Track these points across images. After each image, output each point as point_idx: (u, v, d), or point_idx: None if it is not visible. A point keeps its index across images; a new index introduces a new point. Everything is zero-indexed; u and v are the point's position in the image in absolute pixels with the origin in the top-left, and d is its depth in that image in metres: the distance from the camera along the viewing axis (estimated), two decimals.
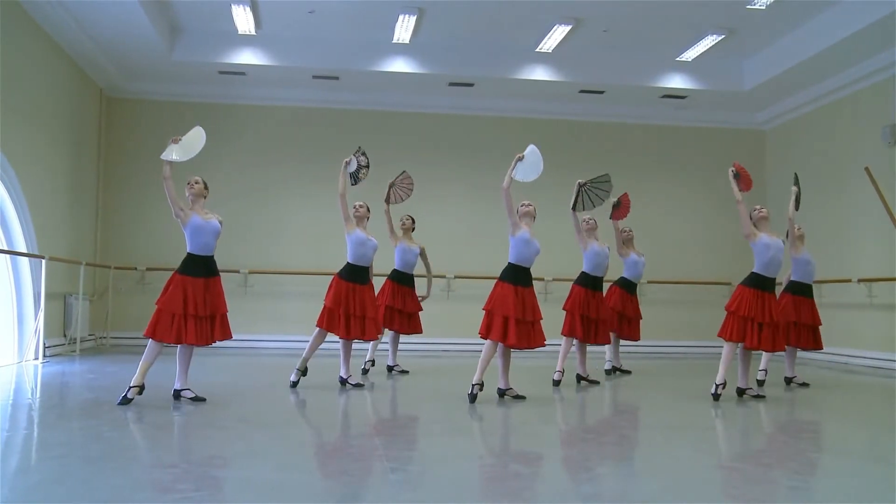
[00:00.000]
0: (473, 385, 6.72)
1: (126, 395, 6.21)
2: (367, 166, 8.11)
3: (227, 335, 6.61)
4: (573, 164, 13.99)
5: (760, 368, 8.60)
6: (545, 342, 6.93)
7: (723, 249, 14.10)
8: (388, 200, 9.06)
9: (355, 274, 7.59)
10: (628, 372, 9.75)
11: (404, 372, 9.20)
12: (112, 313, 12.52)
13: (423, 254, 9.03)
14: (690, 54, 12.29)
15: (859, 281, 11.46)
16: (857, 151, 11.79)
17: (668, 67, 12.78)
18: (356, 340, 7.68)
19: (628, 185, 13.97)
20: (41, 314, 9.77)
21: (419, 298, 9.10)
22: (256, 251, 12.83)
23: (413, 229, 9.19)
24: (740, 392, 7.41)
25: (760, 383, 8.25)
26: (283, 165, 13.37)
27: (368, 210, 7.93)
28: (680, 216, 14.26)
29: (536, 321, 6.85)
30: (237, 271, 12.80)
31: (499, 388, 6.96)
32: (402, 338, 9.72)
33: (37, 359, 9.64)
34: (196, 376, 7.64)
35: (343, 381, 7.73)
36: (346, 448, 5.03)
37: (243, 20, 11.28)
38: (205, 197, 6.78)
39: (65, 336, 11.05)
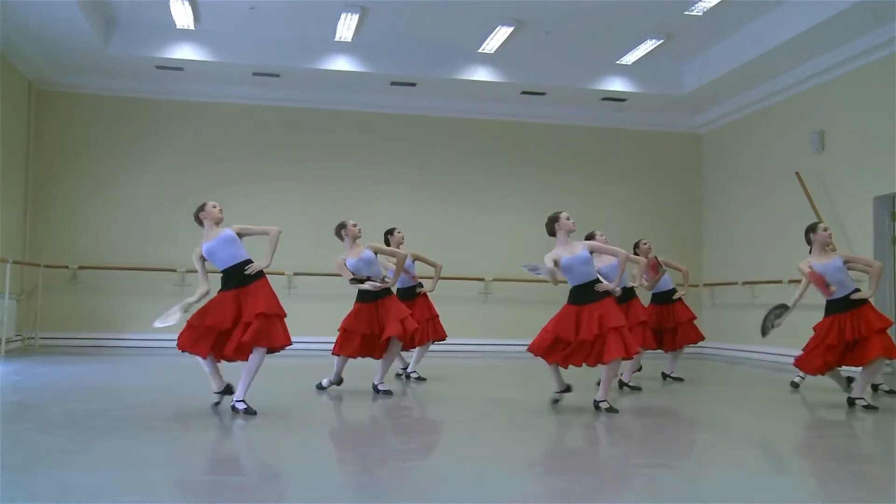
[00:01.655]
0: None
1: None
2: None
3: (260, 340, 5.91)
4: (514, 164, 14.13)
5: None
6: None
7: (660, 250, 14.27)
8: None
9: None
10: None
11: (421, 379, 8.79)
12: (41, 313, 12.14)
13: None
14: (630, 58, 12.47)
15: (790, 282, 11.75)
16: (789, 156, 12.11)
17: (608, 70, 12.95)
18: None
19: (569, 186, 14.22)
20: None
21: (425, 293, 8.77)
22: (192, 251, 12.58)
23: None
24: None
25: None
26: (222, 164, 13.14)
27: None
28: (619, 217, 14.42)
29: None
30: (174, 270, 12.56)
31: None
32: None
33: None
34: (131, 376, 7.47)
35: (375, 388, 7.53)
36: (283, 450, 4.96)
37: (182, 14, 11.05)
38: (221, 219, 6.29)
39: None
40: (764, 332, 7.62)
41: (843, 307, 7.06)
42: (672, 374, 9.29)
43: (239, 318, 5.90)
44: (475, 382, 9.08)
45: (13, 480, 3.81)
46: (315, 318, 11.68)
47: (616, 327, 6.20)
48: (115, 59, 11.95)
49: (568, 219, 6.52)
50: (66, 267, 12.38)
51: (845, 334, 6.96)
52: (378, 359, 7.54)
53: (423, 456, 4.94)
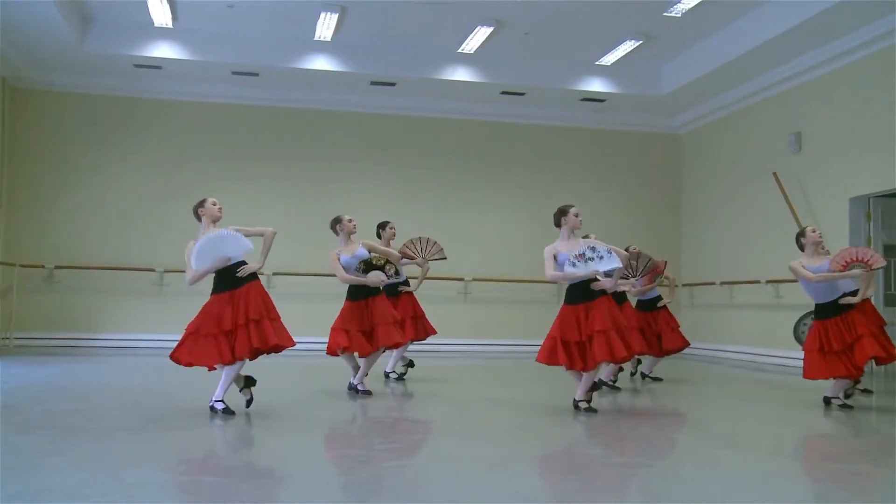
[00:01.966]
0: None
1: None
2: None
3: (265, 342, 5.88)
4: (494, 164, 14.15)
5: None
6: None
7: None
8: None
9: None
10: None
11: (401, 378, 8.78)
12: (17, 313, 12.00)
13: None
14: (609, 58, 12.52)
15: (767, 282, 11.87)
16: (766, 157, 12.21)
17: (587, 71, 13.00)
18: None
19: (548, 186, 14.26)
20: None
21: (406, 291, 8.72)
22: (172, 250, 12.44)
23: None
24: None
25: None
26: (200, 162, 13.06)
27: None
28: (598, 217, 14.45)
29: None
30: (153, 270, 12.47)
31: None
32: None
33: None
34: (108, 376, 7.40)
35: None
36: (259, 450, 4.94)
37: (159, 12, 10.97)
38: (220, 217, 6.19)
39: None
40: (799, 340, 7.79)
41: (830, 312, 6.95)
42: (651, 374, 9.35)
43: (236, 319, 5.83)
44: (457, 382, 9.08)
45: None
46: (295, 318, 11.60)
47: (602, 330, 6.11)
48: (92, 57, 11.84)
49: (576, 216, 6.41)
50: (43, 266, 12.25)
51: (832, 343, 6.83)
52: (363, 356, 7.41)
53: (406, 456, 4.93)
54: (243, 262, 6.03)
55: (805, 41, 10.59)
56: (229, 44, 11.97)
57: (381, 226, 8.69)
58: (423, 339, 8.84)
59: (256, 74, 12.56)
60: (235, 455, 4.93)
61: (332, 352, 7.43)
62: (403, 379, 8.75)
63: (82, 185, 12.70)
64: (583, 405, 6.40)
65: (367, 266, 7.41)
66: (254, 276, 6.05)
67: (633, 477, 4.35)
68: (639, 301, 9.25)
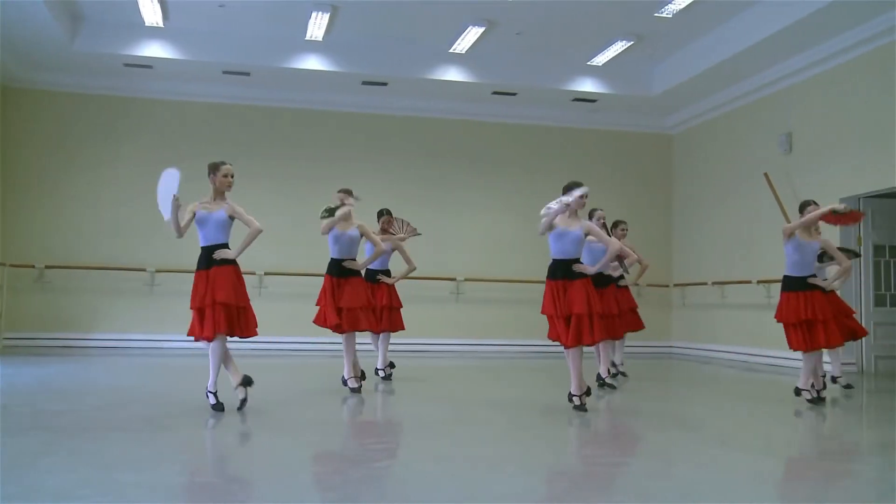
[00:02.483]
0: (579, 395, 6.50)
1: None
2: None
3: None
4: (485, 164, 14.16)
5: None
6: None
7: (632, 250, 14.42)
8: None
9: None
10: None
11: (388, 378, 8.79)
12: (7, 313, 11.94)
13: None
14: (601, 59, 12.54)
15: (758, 282, 11.91)
16: (757, 157, 12.26)
17: (579, 71, 13.02)
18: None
19: (540, 187, 14.23)
20: None
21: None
22: (165, 249, 12.41)
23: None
24: None
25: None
26: (191, 162, 12.87)
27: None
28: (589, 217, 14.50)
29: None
30: (143, 270, 12.43)
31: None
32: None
33: None
34: (99, 377, 7.37)
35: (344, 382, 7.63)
36: (253, 451, 4.93)
37: (150, 11, 10.94)
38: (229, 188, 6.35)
39: None
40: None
41: (799, 286, 7.17)
42: (620, 369, 9.19)
43: (204, 298, 6.04)
44: (445, 382, 9.08)
45: None
46: (285, 318, 11.65)
47: (578, 314, 6.22)
48: (83, 57, 11.80)
49: (582, 197, 6.38)
50: (33, 266, 12.19)
51: (800, 312, 7.07)
52: (342, 333, 7.51)
53: (397, 456, 4.93)
54: (225, 246, 6.19)
55: (796, 42, 10.63)
56: (220, 43, 11.94)
57: (380, 213, 8.99)
58: (392, 332, 8.80)
59: (248, 74, 12.53)
60: (228, 455, 4.91)
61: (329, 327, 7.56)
62: (390, 379, 8.71)
63: (73, 184, 12.65)
64: (576, 400, 6.44)
65: (330, 212, 7.72)
66: (227, 260, 6.17)
67: (626, 476, 4.36)
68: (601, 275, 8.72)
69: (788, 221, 11.03)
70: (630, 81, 13.24)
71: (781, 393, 8.19)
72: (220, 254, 6.13)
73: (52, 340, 11.98)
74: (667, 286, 14.32)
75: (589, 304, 6.26)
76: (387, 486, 4.02)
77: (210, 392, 6.11)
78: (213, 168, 6.34)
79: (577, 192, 6.34)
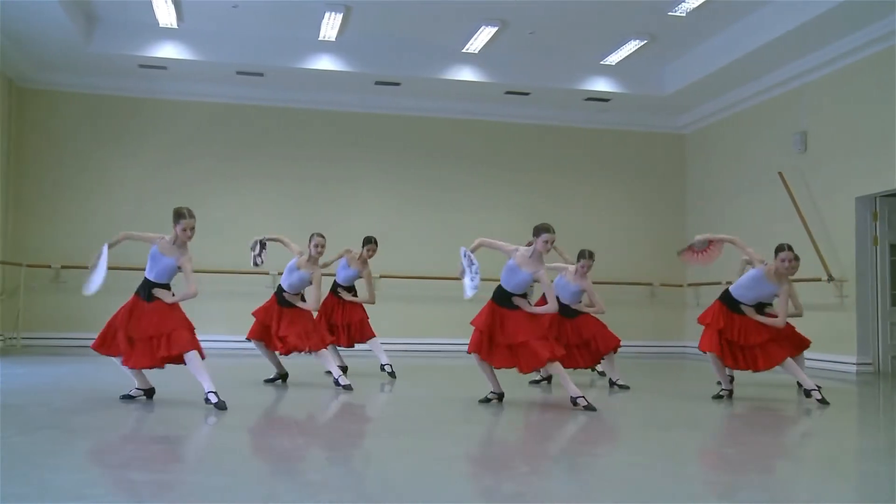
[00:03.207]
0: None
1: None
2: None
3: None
4: (498, 165, 14.15)
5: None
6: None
7: (643, 251, 14.41)
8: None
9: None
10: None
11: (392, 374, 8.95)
12: (24, 313, 12.04)
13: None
14: (614, 58, 12.50)
15: None
16: (772, 157, 12.18)
17: (592, 71, 12.98)
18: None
19: (552, 187, 14.26)
20: None
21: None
22: None
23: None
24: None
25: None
26: (204, 163, 13.09)
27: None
28: (601, 218, 14.48)
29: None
30: None
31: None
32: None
33: None
34: (114, 377, 7.41)
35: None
36: (267, 449, 4.94)
37: (164, 12, 11.00)
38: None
39: None
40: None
41: (738, 309, 7.27)
42: (618, 382, 8.50)
43: (138, 331, 6.40)
44: (455, 381, 9.07)
45: None
46: None
47: (524, 342, 6.47)
48: (98, 58, 11.88)
49: (546, 242, 6.52)
50: (49, 266, 12.29)
51: (733, 332, 7.18)
52: (274, 350, 7.90)
53: (378, 455, 4.93)
54: (167, 287, 6.54)
55: (810, 40, 10.56)
56: (234, 44, 11.99)
57: (366, 241, 9.10)
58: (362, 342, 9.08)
59: (261, 74, 12.58)
60: (240, 455, 4.93)
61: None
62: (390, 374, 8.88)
63: (88, 185, 12.74)
64: (581, 402, 6.51)
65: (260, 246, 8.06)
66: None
67: (625, 477, 4.35)
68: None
69: (804, 221, 11.02)
70: (643, 81, 13.20)
71: (790, 394, 8.13)
72: (158, 292, 6.47)
73: (67, 340, 12.05)
74: (680, 286, 14.26)
75: (531, 330, 6.52)
76: (364, 485, 4.03)
77: (210, 391, 6.21)
78: (176, 217, 6.61)
79: (542, 238, 6.54)
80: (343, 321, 8.95)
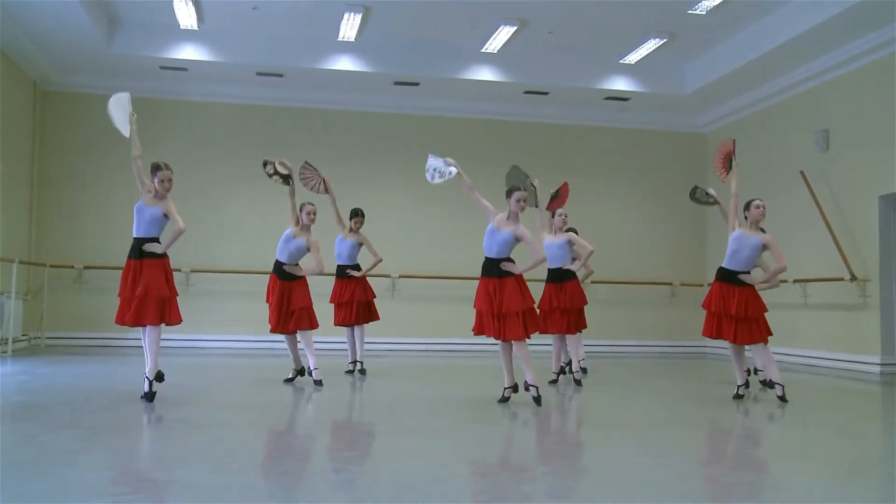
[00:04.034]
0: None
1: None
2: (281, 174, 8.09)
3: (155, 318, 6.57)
4: (518, 164, 14.10)
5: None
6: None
7: (664, 250, 14.35)
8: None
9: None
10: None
11: (363, 372, 9.10)
12: (47, 313, 12.17)
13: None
14: (633, 57, 12.46)
15: (795, 281, 11.74)
16: (793, 156, 12.09)
17: (611, 70, 12.94)
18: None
19: (572, 187, 14.16)
20: None
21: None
22: (198, 250, 12.57)
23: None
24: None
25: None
26: (225, 163, 13.18)
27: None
28: (621, 218, 14.43)
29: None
30: (178, 270, 12.55)
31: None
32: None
33: None
34: (136, 376, 7.46)
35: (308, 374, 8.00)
36: (288, 449, 4.97)
37: (185, 14, 11.08)
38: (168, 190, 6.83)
39: None
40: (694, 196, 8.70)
41: (731, 279, 7.45)
42: (581, 366, 8.73)
43: (133, 288, 6.49)
44: (454, 382, 9.07)
45: (18, 479, 3.83)
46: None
47: (517, 311, 6.50)
48: (119, 60, 11.98)
49: (519, 201, 6.70)
50: (72, 266, 12.41)
51: (730, 307, 7.30)
52: (288, 333, 7.99)
53: (395, 455, 4.94)
54: (156, 240, 6.65)
55: (831, 38, 10.47)
56: (254, 45, 12.06)
57: (354, 213, 9.47)
58: (365, 322, 9.21)
59: (281, 75, 12.63)
60: (260, 455, 4.96)
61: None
62: (362, 372, 9.05)
63: (110, 186, 12.85)
64: (532, 391, 6.67)
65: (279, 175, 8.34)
66: (157, 254, 6.63)
67: (666, 479, 4.33)
68: (550, 272, 8.66)
69: (826, 220, 10.94)
70: (662, 80, 13.13)
71: (819, 395, 8.07)
72: (149, 247, 6.57)
73: (90, 340, 12.17)
74: (701, 286, 14.18)
75: (524, 300, 6.56)
76: (350, 486, 4.04)
77: (145, 376, 6.47)
78: (154, 170, 6.87)
79: (514, 197, 6.72)
80: (351, 299, 9.04)
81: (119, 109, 6.79)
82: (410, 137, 13.81)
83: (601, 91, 13.18)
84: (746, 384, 7.63)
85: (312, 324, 7.93)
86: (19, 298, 11.25)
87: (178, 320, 6.79)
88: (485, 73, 12.64)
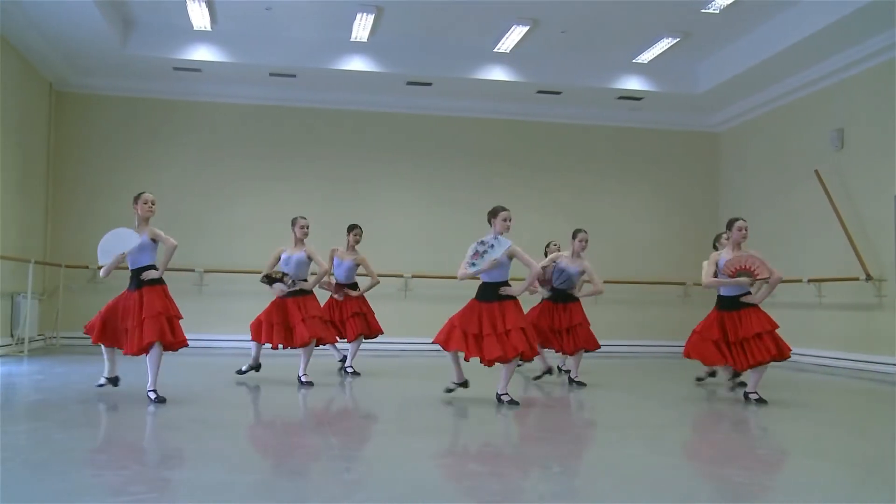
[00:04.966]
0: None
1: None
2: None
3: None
4: (530, 164, 14.11)
5: None
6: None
7: (677, 249, 14.29)
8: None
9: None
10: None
11: (356, 374, 9.12)
12: (63, 313, 12.25)
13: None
14: (646, 56, 12.42)
15: (809, 281, 11.68)
16: (807, 154, 12.02)
17: (624, 69, 12.90)
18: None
19: (585, 186, 14.20)
20: None
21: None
22: (211, 250, 12.64)
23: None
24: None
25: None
26: (238, 163, 13.23)
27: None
28: (634, 217, 14.40)
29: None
30: (192, 270, 12.62)
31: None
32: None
33: None
34: (144, 378, 7.49)
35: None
36: (299, 448, 4.98)
37: (199, 15, 11.12)
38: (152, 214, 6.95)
39: (12, 336, 10.79)
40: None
41: (730, 305, 7.25)
42: (576, 379, 8.55)
43: (134, 316, 6.51)
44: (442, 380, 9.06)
45: (34, 478, 3.85)
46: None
47: (517, 327, 6.51)
48: (133, 61, 12.05)
49: (505, 220, 6.79)
50: (87, 267, 12.47)
51: (727, 334, 7.15)
52: (289, 348, 8.00)
53: (405, 455, 4.95)
54: (152, 267, 6.67)
55: (846, 36, 10.41)
56: (267, 46, 12.09)
57: (351, 228, 9.25)
58: (363, 337, 9.22)
59: (294, 76, 12.67)
60: (272, 454, 4.97)
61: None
62: (346, 371, 9.12)
63: (124, 186, 12.86)
64: (505, 398, 6.70)
65: (269, 280, 7.95)
66: (156, 280, 6.66)
67: (674, 479, 4.32)
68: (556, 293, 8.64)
69: (841, 219, 10.87)
70: (675, 79, 13.09)
71: (835, 396, 8.02)
72: (147, 275, 6.60)
73: None
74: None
75: (523, 318, 6.66)
76: (336, 485, 4.04)
77: (151, 390, 6.48)
78: (136, 198, 7.02)
79: (500, 217, 6.79)
80: (346, 315, 9.04)
81: (118, 241, 6.76)
82: (423, 137, 13.83)
83: (614, 90, 13.15)
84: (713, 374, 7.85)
85: (328, 335, 8.11)
86: (35, 298, 11.33)
87: (183, 340, 6.75)
88: (497, 73, 12.63)
